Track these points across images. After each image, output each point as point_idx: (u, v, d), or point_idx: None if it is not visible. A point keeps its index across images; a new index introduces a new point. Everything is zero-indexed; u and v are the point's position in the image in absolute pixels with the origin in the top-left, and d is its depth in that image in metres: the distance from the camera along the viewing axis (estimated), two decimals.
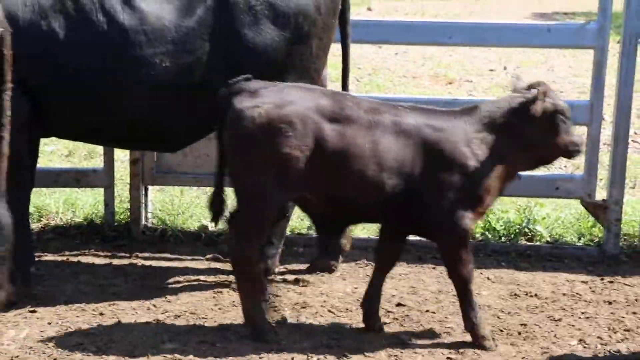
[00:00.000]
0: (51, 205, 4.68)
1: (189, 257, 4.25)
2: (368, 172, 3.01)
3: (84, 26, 3.42)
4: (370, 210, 3.15)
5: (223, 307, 3.56)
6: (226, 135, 3.09)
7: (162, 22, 3.45)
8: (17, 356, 2.99)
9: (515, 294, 3.80)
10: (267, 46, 3.54)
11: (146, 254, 4.25)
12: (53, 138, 4.15)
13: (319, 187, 3.08)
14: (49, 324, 3.29)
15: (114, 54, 3.44)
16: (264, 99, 3.02)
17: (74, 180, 4.55)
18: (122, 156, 5.07)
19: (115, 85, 3.48)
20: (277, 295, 3.70)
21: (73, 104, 3.52)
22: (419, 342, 3.25)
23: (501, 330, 3.35)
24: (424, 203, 3.07)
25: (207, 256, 4.23)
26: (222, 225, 3.43)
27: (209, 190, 4.35)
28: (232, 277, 3.73)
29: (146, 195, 4.56)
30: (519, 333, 3.33)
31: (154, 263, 4.14)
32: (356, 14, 8.84)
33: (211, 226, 4.49)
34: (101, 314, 3.43)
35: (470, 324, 3.14)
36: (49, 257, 4.11)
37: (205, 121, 3.53)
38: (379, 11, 15.08)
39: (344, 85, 4.02)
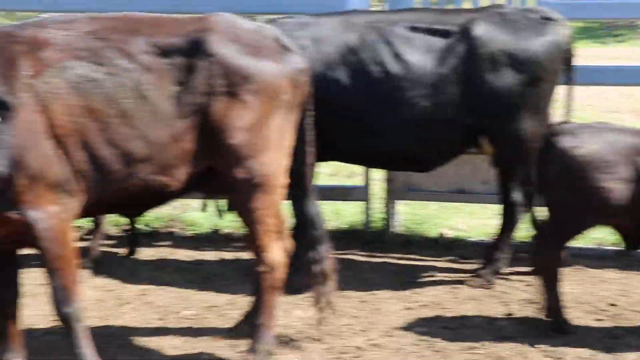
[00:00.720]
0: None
1: (430, 258, 4.98)
2: None
3: (363, 75, 4.15)
4: None
5: (460, 300, 4.19)
6: (550, 168, 3.61)
7: (424, 70, 4.12)
8: (301, 331, 3.74)
9: None
10: (506, 89, 4.12)
11: (396, 255, 4.96)
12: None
13: (632, 215, 3.50)
14: None
15: (385, 97, 4.14)
16: (585, 139, 3.52)
17: (340, 195, 5.50)
18: (377, 175, 5.68)
19: (385, 122, 4.19)
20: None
21: (351, 135, 4.25)
22: (631, 337, 3.63)
23: None
24: None
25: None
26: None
27: (444, 204, 5.24)
28: (466, 275, 4.47)
29: (395, 207, 5.40)
30: None
31: (402, 262, 4.85)
32: None
33: (446, 233, 5.35)
34: (364, 301, 4.16)
35: None
36: None
37: (451, 149, 4.32)
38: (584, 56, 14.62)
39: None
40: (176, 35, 3.10)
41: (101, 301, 4.20)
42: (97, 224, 4.79)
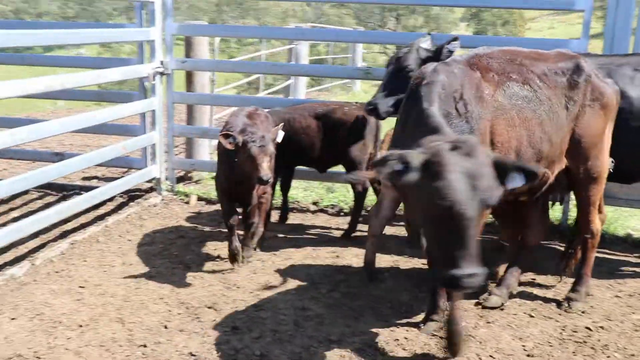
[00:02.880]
0: None
1: (621, 254, 5.76)
2: None
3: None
4: None
5: None
6: None
7: None
8: (535, 309, 4.70)
9: None
10: None
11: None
12: None
13: None
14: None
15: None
16: None
17: None
18: None
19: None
20: None
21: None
22: None
23: None
24: None
25: None
26: None
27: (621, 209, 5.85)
28: None
29: None
30: None
31: (600, 255, 5.25)
32: None
33: (633, 233, 6.02)
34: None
35: None
36: None
37: None
38: None
39: None
40: (562, 61, 4.25)
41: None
42: None
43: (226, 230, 5.21)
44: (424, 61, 5.06)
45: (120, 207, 6.84)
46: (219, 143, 4.84)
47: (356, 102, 6.24)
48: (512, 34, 33.22)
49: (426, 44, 5.19)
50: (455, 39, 5.09)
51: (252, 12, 40.07)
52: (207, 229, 6.21)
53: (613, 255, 5.72)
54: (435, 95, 3.66)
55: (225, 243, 5.21)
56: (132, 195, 7.13)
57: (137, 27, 6.90)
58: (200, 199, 7.14)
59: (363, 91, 18.86)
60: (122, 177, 7.10)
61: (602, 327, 4.36)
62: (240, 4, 39.51)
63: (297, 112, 6.04)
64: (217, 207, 6.86)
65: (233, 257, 5.14)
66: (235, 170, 4.84)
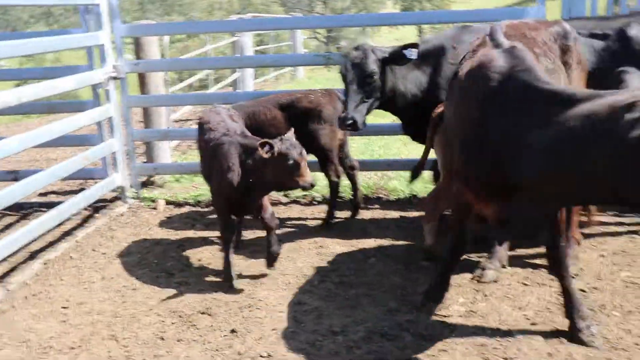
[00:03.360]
0: None
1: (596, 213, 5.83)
2: None
3: None
4: None
5: None
6: None
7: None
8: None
9: None
10: None
11: None
12: None
13: None
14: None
15: None
16: None
17: None
18: None
19: None
20: None
21: None
22: None
23: None
24: None
25: None
26: None
27: None
28: None
29: None
30: None
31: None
32: None
33: None
34: None
35: None
36: None
37: None
38: None
39: None
40: (551, 27, 4.35)
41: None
42: None
43: (218, 239, 5.06)
44: (382, 62, 5.02)
45: (86, 220, 6.60)
46: (215, 148, 4.62)
47: (321, 89, 6.15)
48: (438, 7, 33.29)
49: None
50: (414, 45, 5.01)
51: (177, 8, 39.38)
52: (181, 233, 6.05)
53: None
54: (540, 73, 3.31)
55: (206, 246, 5.08)
56: (97, 206, 6.89)
57: (83, 31, 6.63)
58: (168, 202, 6.95)
59: (307, 78, 18.83)
60: (85, 189, 6.84)
61: (595, 288, 4.43)
62: (163, 1, 38.78)
63: (261, 105, 5.91)
64: (187, 209, 6.74)
65: (229, 276, 4.74)
66: (252, 178, 4.48)
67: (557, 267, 3.71)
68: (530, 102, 3.12)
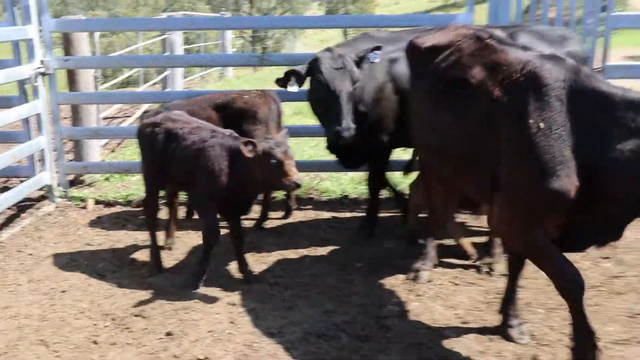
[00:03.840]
0: None
1: None
2: None
3: None
4: None
5: None
6: None
7: None
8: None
9: None
10: None
11: None
12: None
13: None
14: None
15: None
16: None
17: None
18: None
19: None
20: None
21: None
22: None
23: None
24: None
25: None
26: None
27: None
28: None
29: None
30: None
31: None
32: None
33: None
34: None
35: None
36: None
37: None
38: None
39: None
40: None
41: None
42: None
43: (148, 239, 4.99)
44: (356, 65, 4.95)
45: (11, 219, 6.37)
46: (201, 150, 4.52)
47: (256, 90, 6.14)
48: (363, 10, 33.72)
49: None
50: (378, 48, 4.99)
51: (101, 3, 38.35)
52: (112, 233, 5.92)
53: None
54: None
55: (138, 247, 4.98)
56: (22, 205, 6.66)
57: (9, 25, 6.40)
58: (97, 202, 6.79)
59: (236, 77, 18.72)
60: (9, 187, 6.60)
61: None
62: None
63: (196, 105, 5.85)
64: (117, 209, 6.61)
65: (201, 276, 4.66)
66: (242, 178, 4.43)
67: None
68: (609, 110, 3.14)
